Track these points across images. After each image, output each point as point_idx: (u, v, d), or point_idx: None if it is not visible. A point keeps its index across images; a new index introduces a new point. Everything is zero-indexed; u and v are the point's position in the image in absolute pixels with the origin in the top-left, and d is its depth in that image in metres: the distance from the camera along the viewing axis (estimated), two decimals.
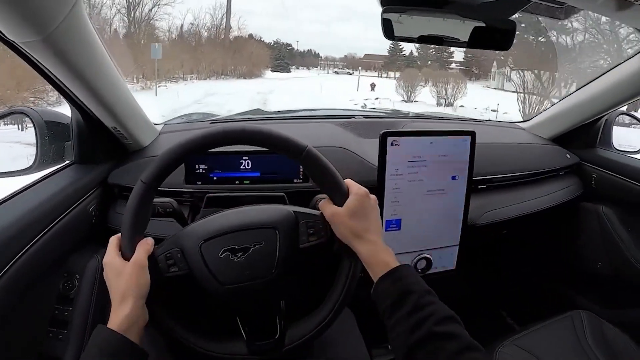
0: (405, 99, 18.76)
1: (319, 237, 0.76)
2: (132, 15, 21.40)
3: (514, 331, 1.28)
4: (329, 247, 0.77)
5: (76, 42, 0.79)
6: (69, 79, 0.88)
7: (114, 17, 20.28)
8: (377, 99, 17.29)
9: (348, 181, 0.78)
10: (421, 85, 19.45)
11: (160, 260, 0.73)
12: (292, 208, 0.79)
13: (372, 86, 22.46)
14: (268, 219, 0.76)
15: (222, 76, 25.20)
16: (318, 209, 1.07)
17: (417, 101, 18.81)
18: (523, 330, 1.27)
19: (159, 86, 18.15)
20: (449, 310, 0.65)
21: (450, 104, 17.71)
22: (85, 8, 0.78)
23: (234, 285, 0.73)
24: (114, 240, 0.74)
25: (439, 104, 17.83)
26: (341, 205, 0.74)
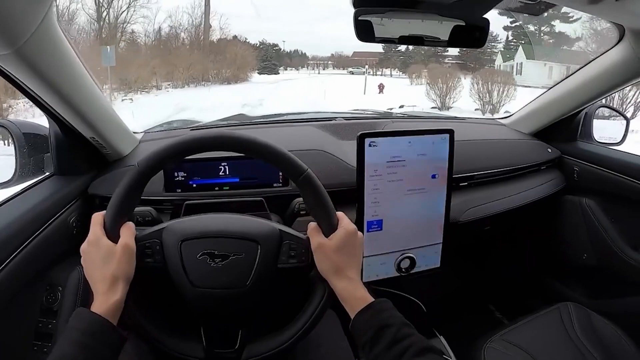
0: (439, 105, 13.86)
1: (299, 260, 0.76)
2: (103, 19, 18.80)
3: (502, 325, 1.29)
4: (306, 272, 0.77)
5: (49, 54, 0.79)
6: (43, 90, 0.87)
7: (79, 22, 17.52)
8: (401, 106, 11.68)
9: (340, 214, 0.77)
10: (459, 86, 13.94)
11: (138, 248, 0.73)
12: (278, 226, 0.79)
13: (381, 88, 19.29)
14: (253, 232, 0.76)
15: (203, 82, 21.98)
16: (298, 213, 1.08)
17: (452, 107, 13.80)
18: (511, 324, 1.28)
19: (123, 99, 15.01)
20: (427, 342, 0.66)
21: (495, 110, 12.44)
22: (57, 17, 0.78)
23: (205, 289, 0.73)
24: (98, 219, 0.72)
25: (482, 110, 12.71)
26: (327, 236, 0.74)
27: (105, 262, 0.68)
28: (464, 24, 1.04)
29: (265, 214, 1.04)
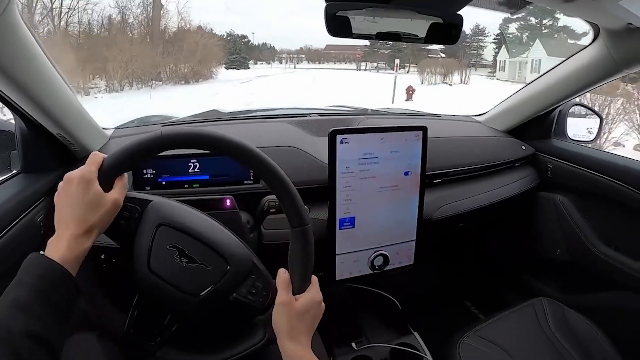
0: None
1: (256, 301, 0.74)
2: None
3: (479, 320, 1.30)
4: (256, 313, 0.76)
5: (10, 48, 0.77)
6: (5, 85, 0.85)
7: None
8: None
9: (314, 279, 0.76)
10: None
11: None
12: (254, 258, 0.77)
13: (410, 92, 15.29)
14: (230, 252, 0.74)
15: (152, 82, 16.66)
16: (268, 211, 1.07)
17: None
18: (486, 320, 1.29)
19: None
20: None
21: None
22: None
23: (159, 280, 0.71)
24: (97, 159, 0.69)
25: None
26: (294, 294, 0.73)
27: (89, 207, 0.65)
28: (441, 21, 1.04)
29: (235, 212, 1.03)
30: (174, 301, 0.72)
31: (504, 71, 21.98)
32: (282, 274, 0.74)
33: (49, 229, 1.09)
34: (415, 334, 1.34)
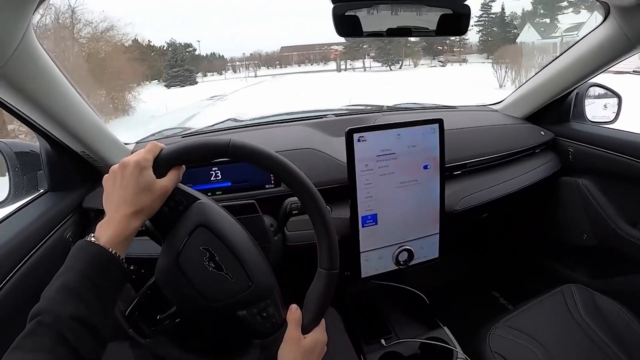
0: None
1: (263, 326, 0.75)
2: None
3: (507, 311, 1.29)
4: (257, 337, 0.77)
5: (31, 72, 0.79)
6: (29, 109, 0.88)
7: None
8: None
9: (322, 321, 0.77)
10: None
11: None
12: (276, 288, 0.78)
13: None
14: (257, 272, 0.75)
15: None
16: (290, 213, 1.08)
17: None
18: (515, 310, 1.28)
19: None
20: None
21: None
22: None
23: (181, 275, 0.72)
24: (154, 148, 0.71)
25: None
26: (303, 332, 0.74)
27: (141, 192, 0.66)
28: (451, 12, 1.04)
29: (258, 217, 1.04)
30: (187, 299, 0.73)
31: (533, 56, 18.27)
32: (295, 311, 0.75)
33: None
34: (445, 327, 1.34)
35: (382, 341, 1.35)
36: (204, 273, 0.72)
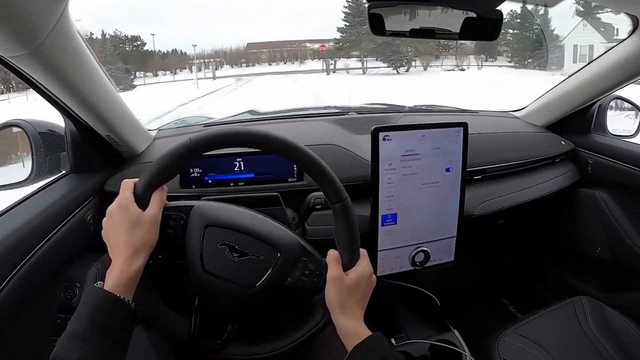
0: None
1: (310, 282, 0.76)
2: None
3: (516, 319, 1.29)
4: (312, 294, 0.78)
5: (65, 53, 0.80)
6: (59, 90, 0.88)
7: None
8: None
9: (362, 251, 0.78)
10: None
11: (163, 217, 0.73)
12: (302, 241, 0.79)
13: None
14: (277, 239, 0.76)
15: None
16: (313, 208, 1.08)
17: None
18: (525, 318, 1.28)
19: None
20: None
21: None
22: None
23: (215, 278, 0.73)
24: (129, 185, 0.72)
25: None
26: (346, 270, 0.75)
27: (132, 228, 0.68)
28: (475, 16, 1.03)
29: (281, 209, 1.04)
30: (232, 296, 0.74)
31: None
32: (332, 252, 0.77)
33: (98, 227, 1.13)
34: (455, 331, 1.33)
35: (393, 340, 1.35)
36: (232, 266, 0.73)
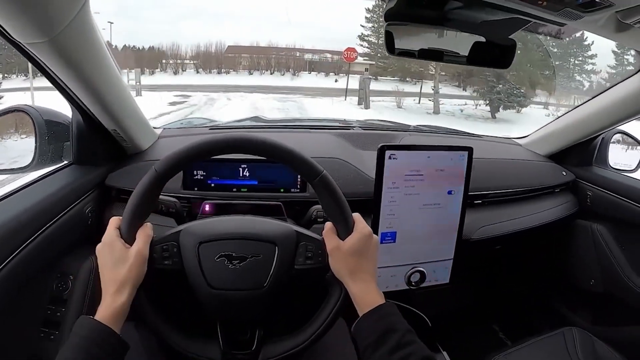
0: None
1: (316, 261, 0.76)
2: None
3: (505, 346, 1.28)
4: (322, 273, 0.78)
5: (81, 44, 0.80)
6: (72, 80, 0.88)
7: None
8: None
9: (356, 216, 0.78)
10: None
11: (156, 250, 0.74)
12: (295, 227, 0.80)
13: None
14: (270, 234, 0.77)
15: None
16: (315, 220, 1.08)
17: None
18: (514, 345, 1.28)
19: None
20: (428, 351, 0.67)
21: None
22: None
23: (223, 291, 0.73)
24: (114, 222, 0.74)
25: None
26: (343, 239, 0.75)
27: (116, 265, 0.70)
28: (485, 41, 1.04)
29: (282, 219, 1.04)
30: (246, 303, 0.75)
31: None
32: (326, 225, 0.77)
33: (96, 220, 1.12)
34: (444, 353, 1.33)
35: None
36: (236, 273, 0.73)
